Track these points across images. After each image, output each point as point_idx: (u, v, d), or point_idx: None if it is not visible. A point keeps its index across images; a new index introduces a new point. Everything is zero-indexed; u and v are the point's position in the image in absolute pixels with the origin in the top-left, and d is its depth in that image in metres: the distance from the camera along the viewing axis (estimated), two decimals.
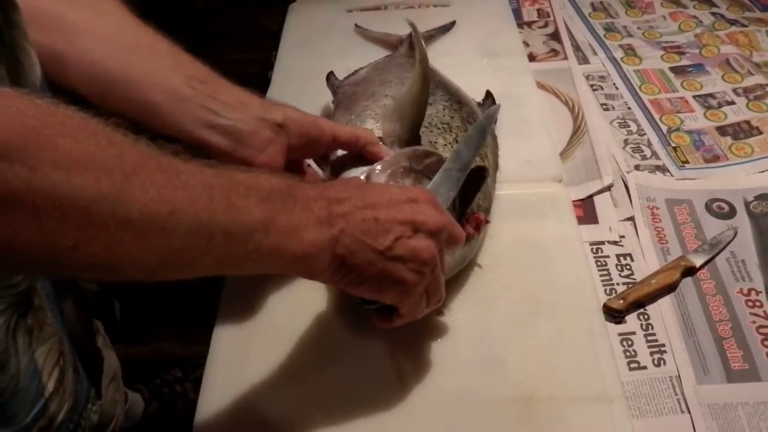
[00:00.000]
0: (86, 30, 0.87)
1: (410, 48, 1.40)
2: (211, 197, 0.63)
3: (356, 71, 1.33)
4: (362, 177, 0.95)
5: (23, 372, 0.73)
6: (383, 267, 0.76)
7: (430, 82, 1.11)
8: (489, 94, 1.29)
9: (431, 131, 1.08)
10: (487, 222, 1.02)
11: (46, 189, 0.51)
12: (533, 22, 1.67)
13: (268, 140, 0.94)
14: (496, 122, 1.21)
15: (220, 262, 0.66)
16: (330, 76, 1.33)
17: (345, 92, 1.25)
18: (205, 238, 0.63)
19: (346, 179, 0.98)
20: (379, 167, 0.96)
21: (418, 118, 1.06)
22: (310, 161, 1.09)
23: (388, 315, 0.85)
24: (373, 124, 1.10)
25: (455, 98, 1.19)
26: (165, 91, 0.90)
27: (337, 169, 1.03)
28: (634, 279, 1.05)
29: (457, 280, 1.00)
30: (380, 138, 1.05)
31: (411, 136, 1.04)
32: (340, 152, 1.04)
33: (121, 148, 0.58)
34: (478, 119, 1.11)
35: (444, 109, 1.13)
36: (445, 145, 1.07)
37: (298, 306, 0.99)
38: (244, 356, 0.95)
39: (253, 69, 1.83)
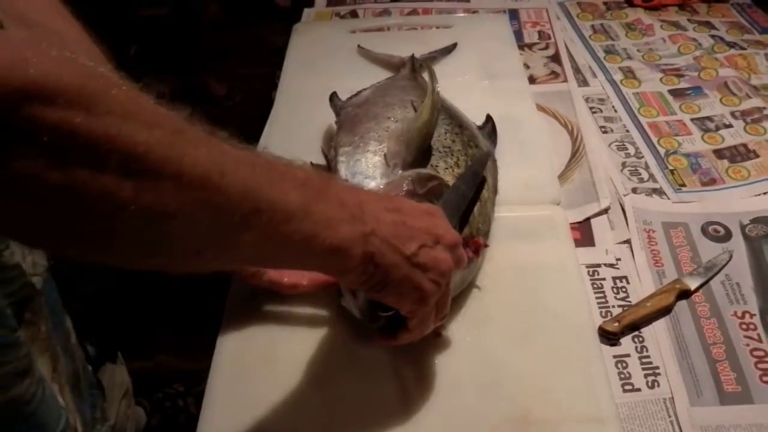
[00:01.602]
0: None
1: (412, 70, 1.41)
2: (254, 172, 0.64)
3: (359, 92, 1.35)
4: None
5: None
6: (407, 272, 0.77)
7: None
8: (489, 119, 1.30)
9: (433, 155, 1.10)
10: (486, 246, 1.03)
11: (103, 133, 0.52)
12: (534, 44, 1.69)
13: None
14: (495, 146, 1.24)
15: (261, 244, 0.67)
16: (333, 97, 1.34)
17: (348, 113, 1.26)
18: (252, 208, 0.63)
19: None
20: (383, 188, 0.98)
21: (424, 145, 1.09)
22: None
23: (394, 330, 0.86)
24: (376, 146, 1.12)
25: (456, 122, 1.20)
26: None
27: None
28: (630, 301, 1.06)
29: (455, 301, 1.00)
30: (384, 157, 1.07)
31: (414, 159, 1.06)
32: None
33: (166, 110, 0.59)
34: (473, 163, 1.12)
35: (446, 133, 1.15)
36: (446, 168, 1.08)
37: (299, 323, 1.01)
38: (245, 371, 0.96)
39: (257, 84, 1.85)
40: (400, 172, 1.05)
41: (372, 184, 1.02)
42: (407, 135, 1.09)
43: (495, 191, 1.15)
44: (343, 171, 1.09)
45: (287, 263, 0.81)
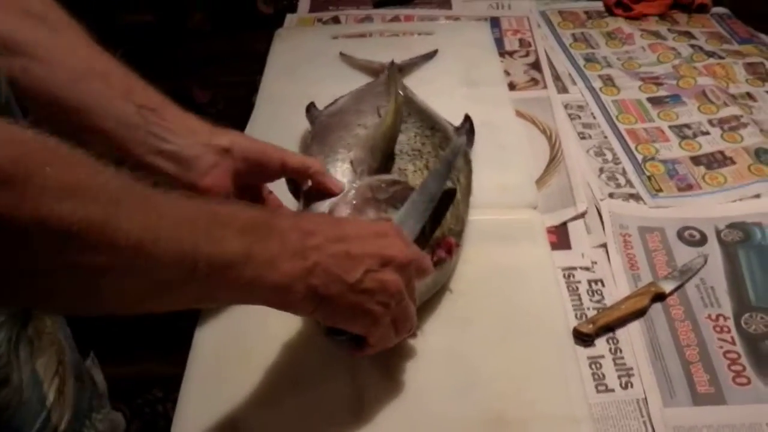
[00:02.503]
0: (42, 56, 0.88)
1: (390, 76, 1.42)
2: (194, 228, 0.65)
3: (336, 101, 1.35)
4: (326, 210, 0.98)
5: (26, 384, 0.74)
6: (353, 299, 0.78)
7: (404, 111, 1.15)
8: (467, 118, 1.32)
9: (401, 158, 1.11)
10: (458, 246, 1.03)
11: (35, 215, 0.52)
12: (515, 51, 1.70)
13: (213, 164, 0.97)
14: (472, 146, 1.26)
15: (202, 292, 0.69)
16: (310, 108, 1.34)
17: (321, 123, 1.27)
18: (189, 267, 0.64)
19: (318, 212, 1.00)
20: (342, 200, 0.98)
21: (389, 149, 1.10)
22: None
23: (359, 344, 0.86)
24: (345, 154, 1.12)
25: (428, 124, 1.21)
26: (116, 119, 0.92)
27: (308, 199, 1.05)
28: (605, 304, 1.07)
29: (430, 303, 1.02)
30: (351, 164, 1.08)
31: (380, 165, 1.07)
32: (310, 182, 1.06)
33: (106, 177, 0.60)
34: (445, 152, 1.13)
35: (416, 136, 1.16)
36: (415, 171, 1.09)
37: (274, 327, 1.00)
38: (221, 371, 0.96)
39: (241, 92, 1.85)
40: (366, 179, 1.05)
41: (360, 191, 1.02)
42: (372, 141, 1.10)
43: (468, 192, 1.15)
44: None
45: (233, 302, 0.83)
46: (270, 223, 0.74)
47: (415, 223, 0.96)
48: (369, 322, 0.82)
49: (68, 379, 0.82)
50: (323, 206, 1.01)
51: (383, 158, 1.09)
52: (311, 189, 1.05)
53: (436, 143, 1.16)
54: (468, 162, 1.20)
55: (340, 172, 1.09)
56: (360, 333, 0.84)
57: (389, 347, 0.89)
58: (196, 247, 0.65)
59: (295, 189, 1.09)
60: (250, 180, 1.04)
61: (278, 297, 0.75)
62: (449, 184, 1.07)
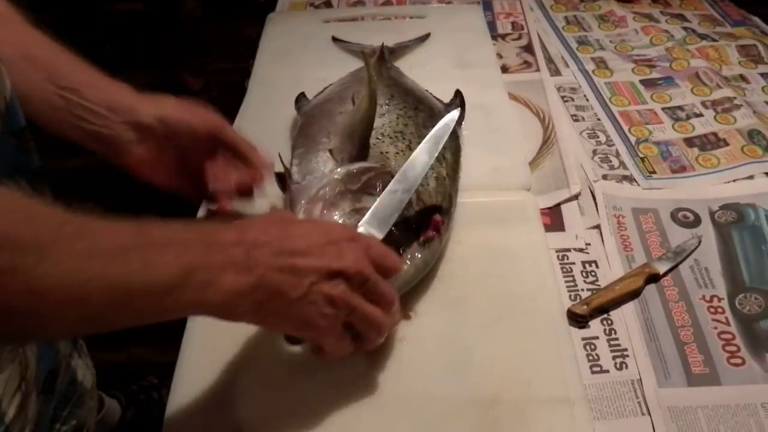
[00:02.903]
0: None
1: (379, 59, 1.42)
2: (128, 259, 0.64)
3: (324, 89, 1.35)
4: (302, 209, 0.98)
5: None
6: (298, 313, 0.77)
7: (387, 93, 1.18)
8: (457, 94, 1.32)
9: (383, 141, 1.10)
10: (443, 223, 1.02)
11: None
12: (507, 34, 1.70)
13: (134, 142, 0.97)
14: (461, 124, 1.26)
15: (140, 317, 0.67)
16: (300, 98, 1.33)
17: (306, 114, 1.26)
18: (123, 299, 0.64)
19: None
20: (316, 194, 0.98)
21: (367, 135, 1.09)
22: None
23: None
24: (326, 144, 1.12)
25: (412, 105, 1.21)
26: (41, 103, 0.91)
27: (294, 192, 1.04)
28: (599, 285, 1.07)
29: (422, 285, 1.01)
30: (331, 152, 1.07)
31: (359, 151, 1.07)
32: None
33: (36, 221, 0.60)
34: (433, 129, 1.10)
35: (398, 118, 1.15)
36: (397, 153, 1.08)
37: None
38: (212, 361, 0.95)
39: (234, 78, 1.85)
40: (338, 169, 1.04)
41: (323, 182, 1.01)
42: (349, 128, 1.09)
43: (456, 169, 1.15)
44: (296, 174, 1.08)
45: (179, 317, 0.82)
46: (212, 241, 0.72)
47: (391, 213, 0.94)
48: (317, 334, 0.80)
49: (31, 394, 0.81)
50: (303, 198, 1.00)
51: (362, 144, 1.08)
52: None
53: (420, 123, 1.16)
54: (455, 139, 1.20)
55: (321, 162, 1.09)
56: (311, 340, 0.83)
57: (367, 351, 0.88)
58: (130, 278, 0.64)
59: (282, 183, 1.08)
60: (186, 155, 1.02)
61: (223, 313, 0.74)
62: (434, 164, 1.08)
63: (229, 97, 1.53)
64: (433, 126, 1.14)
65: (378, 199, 0.96)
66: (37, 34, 0.94)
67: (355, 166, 1.02)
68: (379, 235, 0.92)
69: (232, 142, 1.03)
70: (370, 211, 0.94)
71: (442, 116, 1.20)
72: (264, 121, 1.35)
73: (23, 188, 0.86)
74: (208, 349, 0.96)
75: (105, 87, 0.96)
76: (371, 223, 0.93)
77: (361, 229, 0.92)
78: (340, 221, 0.96)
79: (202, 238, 0.72)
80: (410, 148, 1.09)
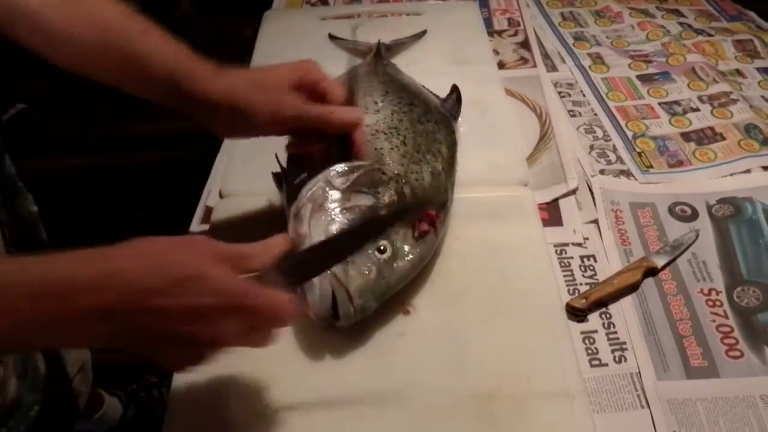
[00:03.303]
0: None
1: (375, 56, 1.42)
2: None
3: None
4: (292, 211, 0.97)
5: None
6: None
7: (380, 90, 1.19)
8: (454, 89, 1.33)
9: (377, 138, 1.10)
10: (438, 217, 1.02)
11: None
12: (504, 30, 1.70)
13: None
14: (458, 117, 1.28)
15: None
16: None
17: None
18: None
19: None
20: (305, 196, 0.98)
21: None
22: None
23: None
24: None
25: (407, 100, 1.20)
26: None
27: (291, 191, 1.03)
28: (597, 280, 1.07)
29: (421, 279, 1.02)
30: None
31: (343, 153, 1.05)
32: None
33: None
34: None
35: (392, 114, 1.14)
36: (392, 148, 1.08)
37: None
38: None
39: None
40: (324, 171, 1.02)
41: (318, 184, 0.99)
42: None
43: (452, 163, 1.14)
44: (291, 174, 1.07)
45: None
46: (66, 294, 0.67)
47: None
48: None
49: (8, 380, 0.81)
50: (296, 199, 1.00)
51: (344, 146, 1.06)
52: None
53: (414, 118, 1.15)
54: (451, 133, 1.19)
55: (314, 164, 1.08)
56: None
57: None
58: None
59: (279, 183, 1.08)
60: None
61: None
62: (429, 158, 1.09)
63: None
64: (428, 121, 1.14)
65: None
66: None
67: (345, 165, 1.02)
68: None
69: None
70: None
71: (438, 111, 1.20)
72: None
73: None
74: None
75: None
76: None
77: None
78: (328, 223, 0.96)
79: (54, 286, 0.68)
80: (405, 144, 1.09)
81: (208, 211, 1.18)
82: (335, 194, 0.98)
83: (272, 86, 0.97)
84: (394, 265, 0.95)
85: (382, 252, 0.94)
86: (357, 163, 1.02)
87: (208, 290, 0.70)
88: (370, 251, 0.94)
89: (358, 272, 0.92)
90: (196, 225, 1.18)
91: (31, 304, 0.65)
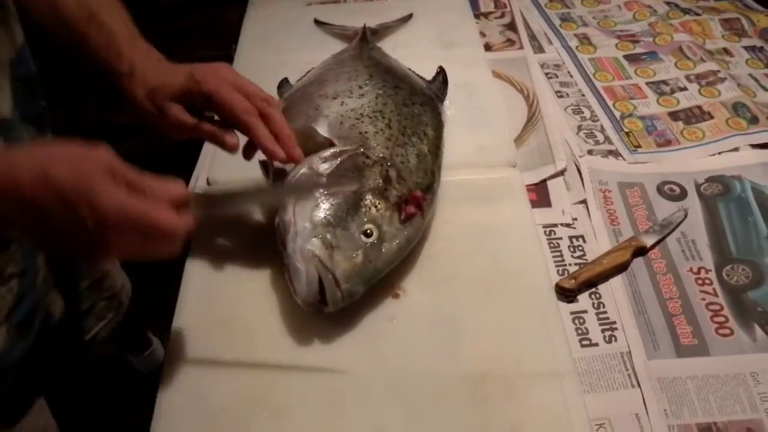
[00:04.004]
0: None
1: (360, 40, 1.41)
2: None
3: (306, 73, 1.34)
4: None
5: None
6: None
7: (365, 74, 1.20)
8: (440, 71, 1.33)
9: (362, 122, 1.09)
10: (425, 199, 1.02)
11: None
12: (490, 12, 1.69)
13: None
14: (444, 99, 1.28)
15: None
16: (282, 84, 1.33)
17: (288, 99, 1.25)
18: None
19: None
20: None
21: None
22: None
23: None
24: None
25: (391, 83, 1.20)
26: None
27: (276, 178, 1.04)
28: (586, 260, 1.07)
29: (410, 263, 1.02)
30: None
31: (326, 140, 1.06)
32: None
33: None
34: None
35: (377, 97, 1.14)
36: (377, 132, 1.07)
37: (258, 287, 1.01)
38: (205, 335, 0.96)
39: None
40: (308, 158, 1.02)
41: (301, 171, 0.99)
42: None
43: (438, 145, 1.14)
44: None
45: None
46: None
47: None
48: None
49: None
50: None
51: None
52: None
53: (399, 101, 1.15)
54: (438, 115, 1.19)
55: None
56: None
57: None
58: None
59: (266, 168, 1.08)
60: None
61: None
62: (415, 141, 1.09)
63: None
64: (414, 103, 1.14)
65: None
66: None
67: (328, 152, 1.01)
68: None
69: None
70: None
71: (424, 93, 1.19)
72: None
73: (30, 132, 0.90)
74: (198, 329, 0.97)
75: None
76: None
77: None
78: (312, 209, 0.96)
79: None
80: (390, 127, 1.08)
81: None
82: (319, 180, 0.97)
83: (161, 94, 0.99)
84: (381, 248, 0.94)
85: (368, 236, 0.94)
86: (341, 148, 1.02)
87: (94, 207, 0.73)
88: (356, 235, 0.93)
89: (345, 257, 0.92)
90: None
91: None
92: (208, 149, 1.29)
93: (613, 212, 1.14)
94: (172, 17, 3.36)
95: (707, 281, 1.04)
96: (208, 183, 1.20)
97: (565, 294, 1.02)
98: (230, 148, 0.98)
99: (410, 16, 1.60)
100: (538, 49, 1.56)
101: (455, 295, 0.99)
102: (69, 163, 0.74)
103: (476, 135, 1.24)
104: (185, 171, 1.26)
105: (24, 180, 0.72)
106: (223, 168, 1.20)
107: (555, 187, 1.20)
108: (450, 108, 1.28)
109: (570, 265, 1.07)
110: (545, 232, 1.12)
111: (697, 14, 1.65)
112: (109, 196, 0.74)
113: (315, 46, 1.49)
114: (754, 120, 1.31)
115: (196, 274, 1.04)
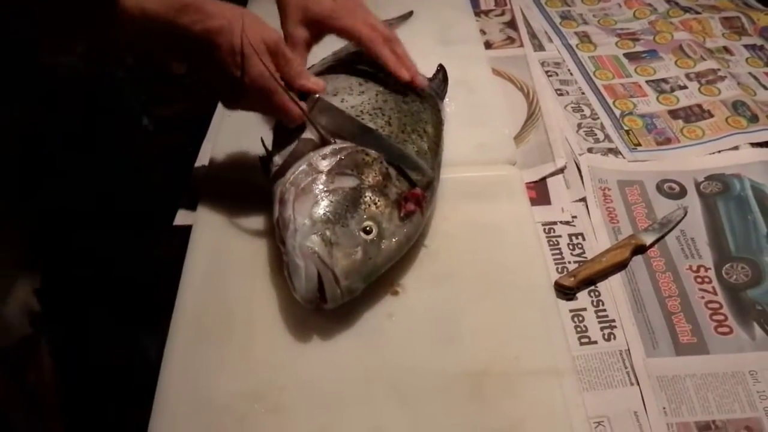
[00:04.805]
0: None
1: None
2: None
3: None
4: (277, 195, 0.99)
5: None
6: None
7: (362, 74, 1.20)
8: (440, 68, 1.32)
9: (362, 119, 1.08)
10: (424, 196, 1.02)
11: None
12: (490, 10, 1.70)
13: None
14: (444, 97, 1.28)
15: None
16: None
17: None
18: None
19: None
20: (288, 182, 0.99)
21: None
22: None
23: None
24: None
25: (392, 80, 1.18)
26: None
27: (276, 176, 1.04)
28: (586, 258, 1.07)
29: (409, 260, 1.01)
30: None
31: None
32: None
33: None
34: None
35: (377, 95, 1.13)
36: (377, 129, 1.07)
37: (257, 284, 1.01)
38: (204, 334, 0.96)
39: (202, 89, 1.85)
40: (308, 154, 1.03)
41: (301, 168, 1.00)
42: None
43: (437, 142, 1.14)
44: (277, 157, 1.06)
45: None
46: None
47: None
48: None
49: None
50: (282, 182, 1.00)
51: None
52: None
53: (399, 99, 1.15)
54: (437, 112, 1.19)
55: (302, 143, 1.06)
56: None
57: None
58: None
59: (266, 165, 1.08)
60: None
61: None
62: (414, 137, 1.09)
63: None
64: (413, 101, 1.14)
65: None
66: None
67: (328, 149, 1.01)
68: None
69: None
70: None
71: (424, 90, 1.19)
72: None
73: None
74: (197, 329, 0.97)
75: None
76: None
77: None
78: (312, 206, 0.96)
79: None
80: (390, 124, 1.08)
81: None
82: (318, 177, 0.97)
83: None
84: (381, 245, 0.94)
85: (367, 232, 0.94)
86: (340, 145, 1.02)
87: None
88: (355, 232, 0.93)
89: (344, 253, 0.91)
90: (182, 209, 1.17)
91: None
92: (208, 145, 1.29)
93: (613, 210, 1.14)
94: None
95: (706, 279, 1.04)
96: (209, 167, 1.22)
97: (565, 292, 1.02)
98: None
99: (411, 13, 1.60)
100: (538, 47, 1.56)
101: (454, 293, 0.99)
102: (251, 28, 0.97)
103: (476, 132, 1.24)
104: (185, 167, 1.26)
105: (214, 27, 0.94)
106: (222, 164, 1.20)
107: (554, 184, 1.20)
108: (450, 105, 1.28)
109: (569, 263, 1.07)
110: (545, 229, 1.12)
111: (698, 13, 1.65)
112: (256, 63, 0.97)
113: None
114: (754, 118, 1.31)
115: (195, 269, 1.04)
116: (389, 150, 1.04)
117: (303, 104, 1.05)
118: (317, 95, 1.08)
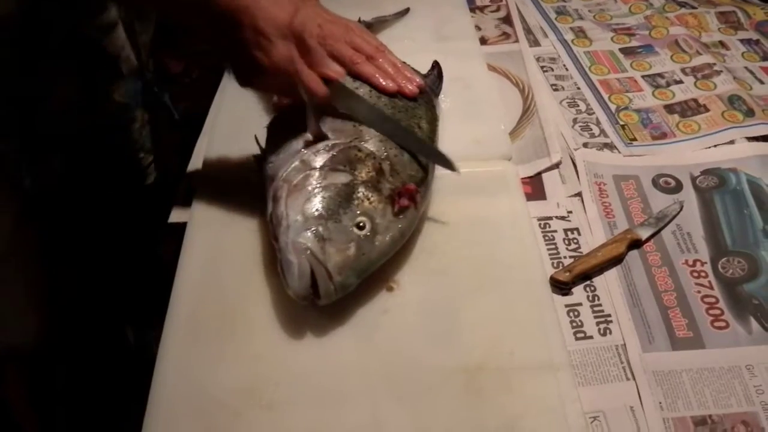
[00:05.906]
0: None
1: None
2: None
3: None
4: (270, 192, 0.99)
5: None
6: None
7: None
8: (435, 65, 1.32)
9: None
10: (418, 192, 1.01)
11: None
12: (485, 6, 1.69)
13: None
14: (439, 93, 1.28)
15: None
16: None
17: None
18: None
19: None
20: (281, 178, 0.99)
21: None
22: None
23: None
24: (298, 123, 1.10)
25: None
26: None
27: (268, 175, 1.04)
28: (581, 252, 1.07)
29: (405, 255, 1.01)
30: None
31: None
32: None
33: None
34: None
35: (371, 91, 1.13)
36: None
37: (255, 279, 1.01)
38: (200, 329, 0.96)
39: (215, 60, 1.84)
40: (302, 152, 1.03)
41: (293, 164, 1.00)
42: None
43: (432, 138, 1.14)
44: (271, 154, 1.06)
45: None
46: None
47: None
48: None
49: None
50: (274, 179, 1.00)
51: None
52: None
53: (393, 94, 1.14)
54: (432, 108, 1.18)
55: (295, 141, 1.06)
56: None
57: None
58: None
59: (260, 163, 1.07)
60: None
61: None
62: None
63: (209, 78, 1.52)
64: (406, 97, 1.14)
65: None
66: None
67: (320, 145, 1.01)
68: None
69: None
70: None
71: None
72: (243, 100, 1.33)
73: None
74: (193, 324, 0.97)
75: None
76: None
77: None
78: (304, 202, 0.95)
79: None
80: None
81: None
82: (311, 173, 0.97)
83: None
84: (374, 241, 0.94)
85: (361, 228, 0.93)
86: (333, 141, 1.02)
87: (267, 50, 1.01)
88: (348, 227, 0.93)
89: (337, 249, 0.91)
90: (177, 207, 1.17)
91: None
92: (203, 142, 1.29)
93: (608, 205, 1.14)
94: None
95: (702, 274, 1.04)
96: (204, 165, 1.21)
97: (560, 287, 1.01)
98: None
99: (407, 10, 1.60)
100: (534, 42, 1.56)
101: (449, 288, 0.99)
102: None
103: (471, 128, 1.24)
104: (180, 164, 1.26)
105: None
106: (217, 161, 1.20)
107: (550, 180, 1.20)
108: (445, 101, 1.28)
109: (565, 257, 1.06)
110: (540, 224, 1.12)
111: (693, 7, 1.65)
112: (279, 48, 1.00)
113: None
114: (749, 113, 1.30)
115: (190, 266, 1.04)
116: (406, 139, 1.06)
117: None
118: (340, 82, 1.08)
